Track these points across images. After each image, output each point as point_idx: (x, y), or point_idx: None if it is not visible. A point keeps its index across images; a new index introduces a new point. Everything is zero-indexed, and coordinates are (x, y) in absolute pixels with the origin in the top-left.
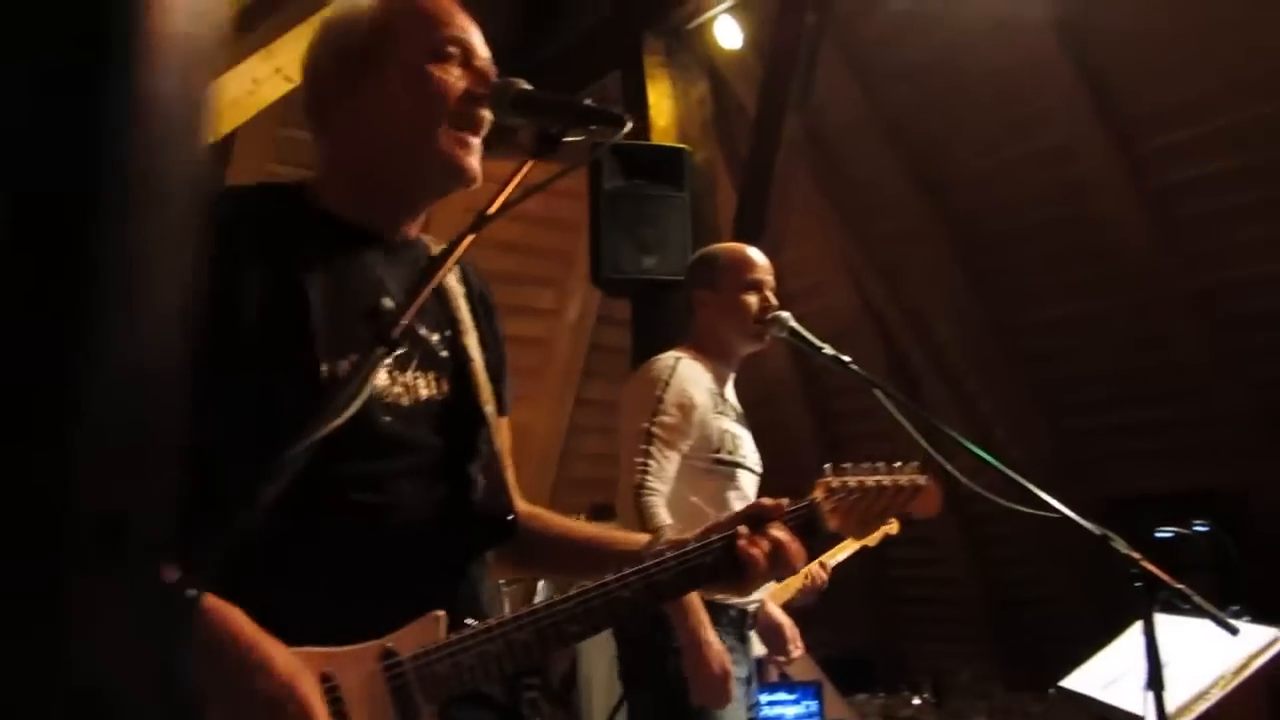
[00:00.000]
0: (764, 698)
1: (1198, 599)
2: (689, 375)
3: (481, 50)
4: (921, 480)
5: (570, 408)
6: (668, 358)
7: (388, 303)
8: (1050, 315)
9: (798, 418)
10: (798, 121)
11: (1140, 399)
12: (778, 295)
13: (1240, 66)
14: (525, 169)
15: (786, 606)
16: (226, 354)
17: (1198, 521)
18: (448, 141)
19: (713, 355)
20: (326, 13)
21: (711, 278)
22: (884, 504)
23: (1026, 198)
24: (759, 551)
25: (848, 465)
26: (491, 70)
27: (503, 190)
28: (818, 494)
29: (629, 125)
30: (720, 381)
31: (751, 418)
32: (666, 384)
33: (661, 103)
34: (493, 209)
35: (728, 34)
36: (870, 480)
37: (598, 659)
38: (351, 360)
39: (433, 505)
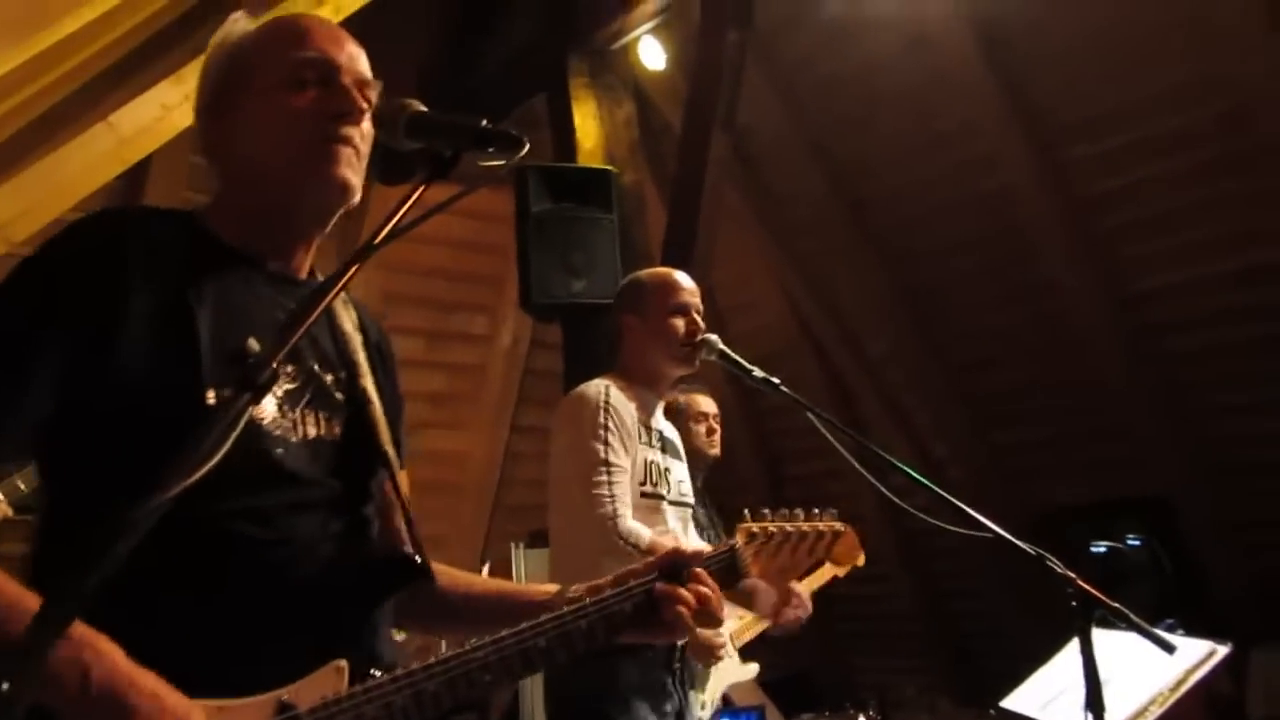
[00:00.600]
0: None
1: (1134, 618)
2: (620, 403)
3: (348, 65)
4: (840, 527)
5: (506, 434)
6: (597, 385)
7: (254, 344)
8: (976, 328)
9: (738, 436)
10: (724, 140)
11: (1066, 411)
12: (711, 314)
13: (1159, 76)
14: (417, 193)
15: (766, 634)
16: (107, 378)
17: (1131, 536)
18: (311, 161)
19: (640, 382)
20: (209, 47)
21: (638, 303)
22: (804, 551)
23: (949, 211)
24: (680, 603)
25: (766, 511)
26: (360, 85)
27: (392, 216)
28: (738, 540)
29: (526, 146)
30: (646, 410)
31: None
32: (605, 409)
33: (587, 124)
34: (380, 236)
35: (651, 54)
36: (789, 526)
37: (540, 694)
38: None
39: (329, 543)
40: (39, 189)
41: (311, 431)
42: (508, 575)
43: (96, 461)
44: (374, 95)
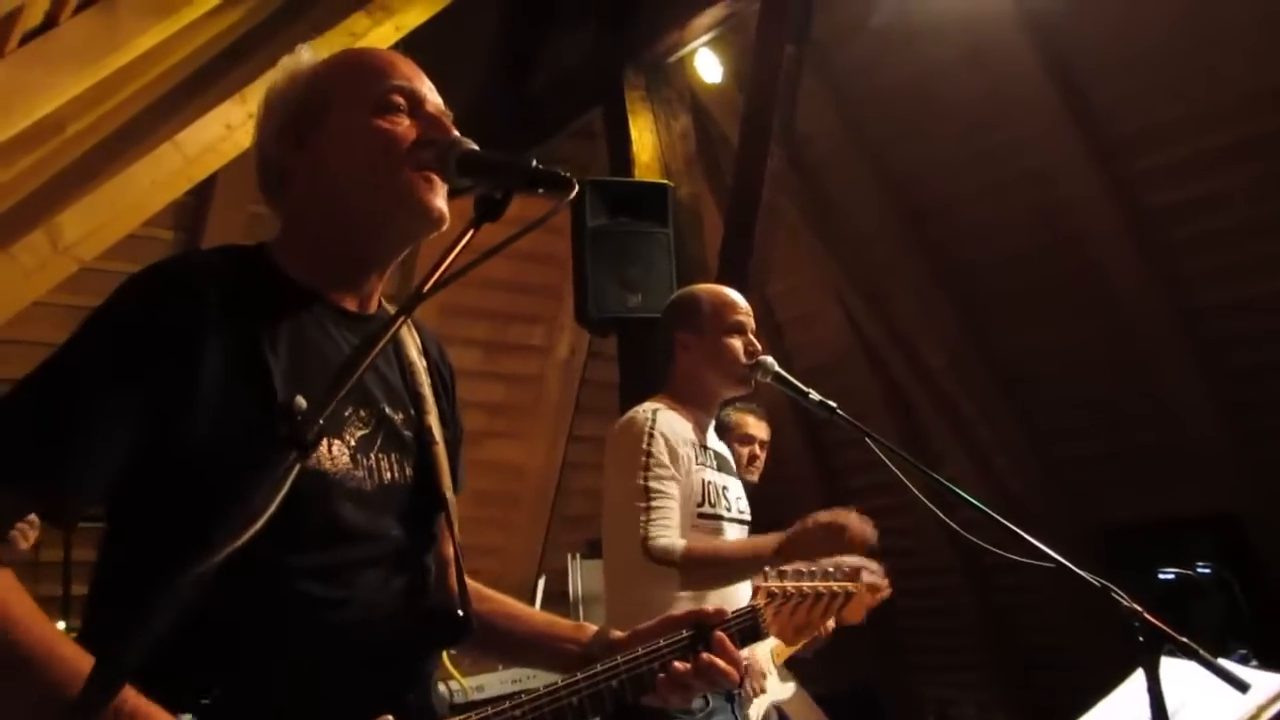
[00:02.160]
0: None
1: (1205, 655)
2: (668, 427)
3: (431, 96)
4: (852, 587)
5: (563, 445)
6: (645, 410)
7: (301, 401)
8: (1036, 341)
9: (795, 447)
10: (781, 153)
11: (1129, 425)
12: (768, 326)
13: (1225, 85)
14: (468, 236)
15: (791, 657)
16: (183, 431)
17: (1201, 563)
18: (410, 180)
19: (692, 402)
20: (271, 80)
21: (694, 321)
22: (819, 610)
23: (1009, 223)
24: (701, 672)
25: (785, 570)
26: (443, 115)
27: (443, 258)
28: (759, 599)
29: (576, 189)
30: (700, 430)
31: None
32: (650, 435)
33: (644, 138)
34: (429, 283)
35: (708, 67)
36: (807, 587)
37: None
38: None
39: (390, 599)
40: (108, 208)
41: (388, 476)
42: (564, 585)
43: (168, 515)
44: (453, 130)
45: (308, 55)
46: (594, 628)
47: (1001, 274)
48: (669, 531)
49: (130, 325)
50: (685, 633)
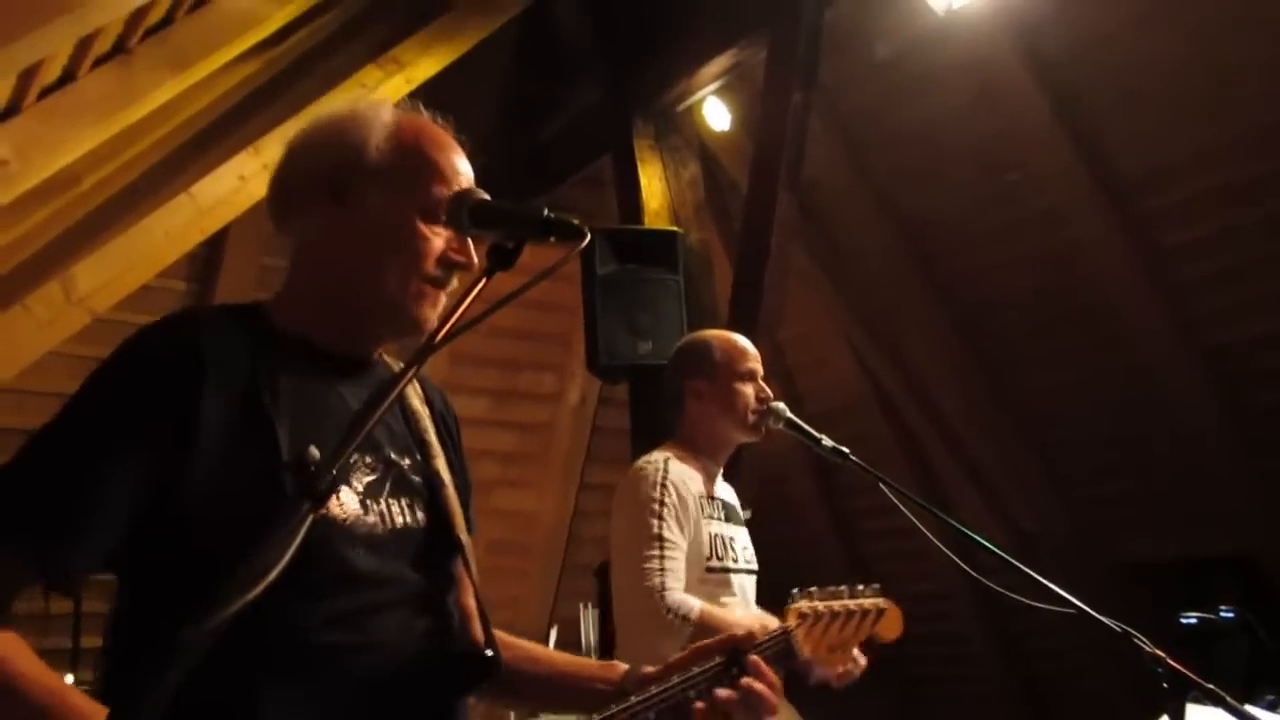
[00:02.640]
0: None
1: (1232, 702)
2: (679, 478)
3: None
4: (883, 604)
5: (575, 492)
6: (656, 459)
7: (314, 452)
8: (1051, 382)
9: (807, 495)
10: (790, 199)
11: (1146, 465)
12: (779, 372)
13: (1234, 123)
14: (479, 285)
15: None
16: (186, 491)
17: (1224, 607)
18: (414, 294)
19: (702, 451)
20: (336, 107)
21: (706, 368)
22: (851, 629)
23: (1021, 264)
24: (739, 697)
25: (814, 590)
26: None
27: (455, 308)
28: (791, 621)
29: (589, 237)
30: (709, 479)
31: (762, 494)
32: (662, 485)
33: (653, 185)
34: (443, 333)
35: (716, 115)
36: (838, 605)
37: None
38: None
39: (414, 642)
40: (122, 259)
41: (399, 520)
42: (576, 634)
43: (175, 571)
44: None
45: (388, 112)
46: (624, 666)
47: (1014, 315)
48: (679, 584)
49: (130, 387)
50: (719, 659)
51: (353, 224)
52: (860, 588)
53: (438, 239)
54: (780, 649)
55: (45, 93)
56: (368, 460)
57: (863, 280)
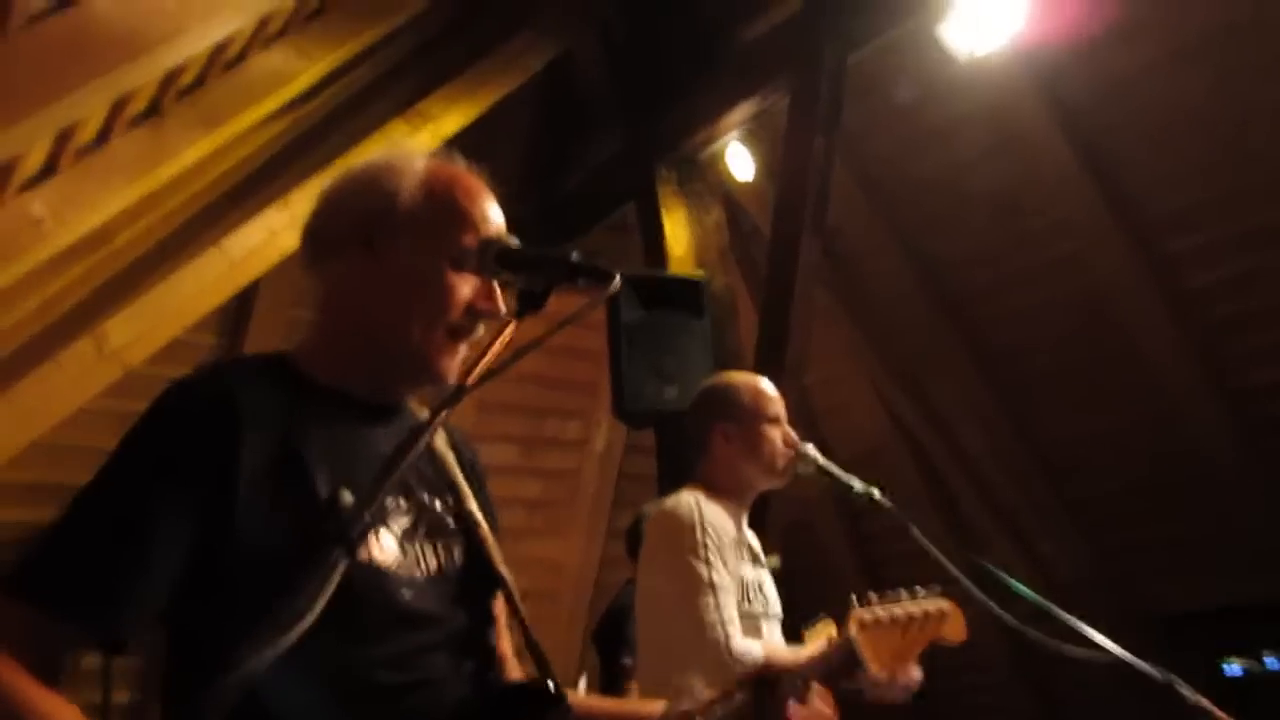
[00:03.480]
0: None
1: None
2: (714, 520)
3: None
4: (947, 606)
5: (602, 540)
6: (688, 500)
7: (347, 496)
8: (1079, 427)
9: (833, 539)
10: (814, 243)
11: (1178, 510)
12: (805, 416)
13: (1257, 164)
14: (508, 332)
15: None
16: (227, 542)
17: (1269, 653)
18: (437, 346)
19: (729, 494)
20: (371, 157)
21: (734, 410)
22: (915, 633)
23: (1046, 308)
24: None
25: (873, 595)
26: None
27: (483, 354)
28: (852, 629)
29: (617, 281)
30: (738, 523)
31: (787, 540)
32: (702, 528)
33: (677, 231)
34: (473, 378)
35: (739, 161)
36: (899, 610)
37: None
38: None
39: (464, 680)
40: (154, 313)
41: (434, 564)
42: None
43: (220, 624)
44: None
45: (421, 161)
46: (660, 705)
47: (1040, 359)
48: (738, 630)
49: (169, 441)
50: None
51: (382, 271)
52: (919, 589)
53: (465, 287)
54: (845, 659)
55: (81, 154)
56: (401, 504)
57: (888, 325)
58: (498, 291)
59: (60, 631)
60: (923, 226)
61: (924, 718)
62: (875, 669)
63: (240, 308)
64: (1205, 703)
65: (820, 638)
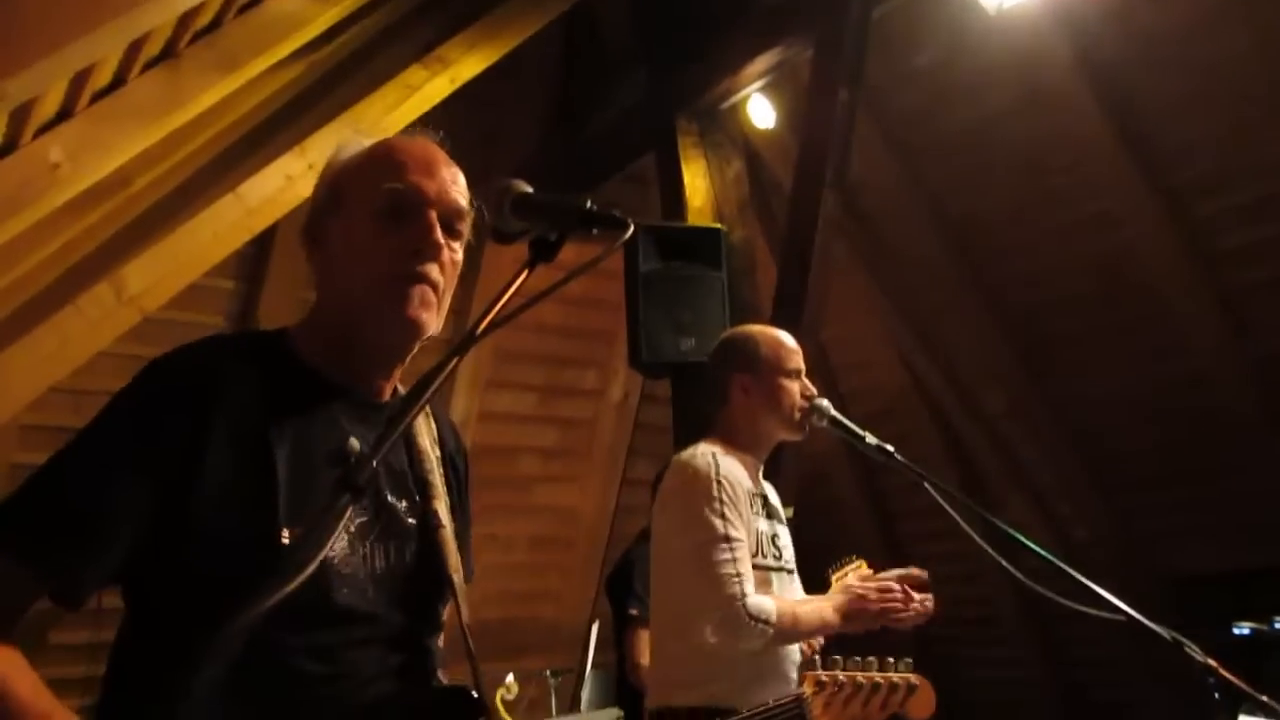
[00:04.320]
0: None
1: None
2: (731, 473)
3: (438, 198)
4: (915, 680)
5: (617, 488)
6: (705, 453)
7: (354, 443)
8: (1101, 387)
9: (850, 495)
10: (835, 198)
11: (1199, 473)
12: (823, 371)
13: None
14: (521, 278)
15: None
16: (187, 516)
17: (1277, 617)
18: (390, 295)
19: (746, 447)
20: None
21: (752, 363)
22: (876, 703)
23: (1071, 267)
24: None
25: (838, 658)
26: (452, 215)
27: (496, 302)
28: (806, 689)
29: (631, 229)
30: (754, 476)
31: (803, 497)
32: (718, 481)
33: (696, 183)
34: (481, 326)
35: (761, 113)
36: (861, 677)
37: None
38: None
39: (389, 677)
40: (172, 259)
41: (380, 564)
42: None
43: (175, 594)
44: (465, 226)
45: (351, 145)
46: None
47: (1064, 318)
48: (753, 585)
49: (144, 408)
50: None
51: (330, 256)
52: (891, 660)
53: (391, 236)
54: (793, 715)
55: (96, 97)
56: (363, 503)
57: (909, 281)
58: (434, 224)
59: (20, 578)
60: (947, 183)
61: (934, 672)
62: None
63: (258, 253)
64: (1213, 663)
65: (848, 580)
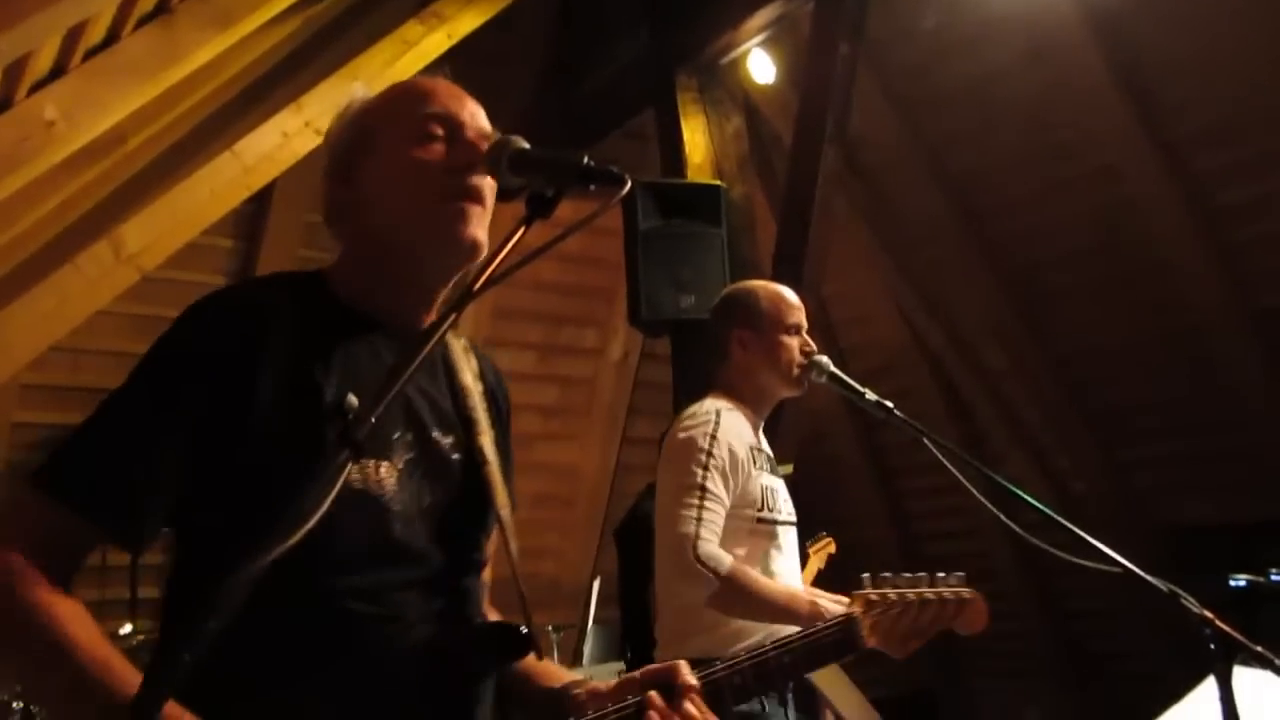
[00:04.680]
0: None
1: (1279, 663)
2: (732, 428)
3: (471, 121)
4: (967, 594)
5: (617, 446)
6: (708, 409)
7: (353, 400)
8: (1101, 341)
9: (849, 452)
10: (835, 153)
11: (1197, 427)
12: (823, 328)
13: None
14: (518, 234)
15: None
16: (236, 451)
17: (1275, 570)
18: (439, 218)
19: (749, 402)
20: (354, 99)
21: (752, 318)
22: (928, 618)
23: (1072, 222)
24: None
25: (888, 575)
26: (482, 139)
27: (492, 259)
28: (856, 608)
29: (629, 185)
30: (756, 431)
31: (804, 453)
32: (713, 437)
33: (696, 138)
34: (479, 282)
35: (761, 68)
36: (912, 594)
37: None
38: (355, 467)
39: (434, 619)
40: (168, 218)
41: (427, 500)
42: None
43: (224, 529)
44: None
45: (361, 92)
46: (570, 677)
47: (1065, 273)
48: (715, 538)
49: (191, 348)
50: (630, 699)
51: (366, 193)
52: (942, 575)
53: (434, 155)
54: (841, 637)
55: (90, 54)
56: (408, 439)
57: (910, 237)
58: (477, 143)
59: (79, 529)
60: (948, 138)
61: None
62: (873, 644)
63: (256, 212)
64: (1208, 615)
65: (822, 555)
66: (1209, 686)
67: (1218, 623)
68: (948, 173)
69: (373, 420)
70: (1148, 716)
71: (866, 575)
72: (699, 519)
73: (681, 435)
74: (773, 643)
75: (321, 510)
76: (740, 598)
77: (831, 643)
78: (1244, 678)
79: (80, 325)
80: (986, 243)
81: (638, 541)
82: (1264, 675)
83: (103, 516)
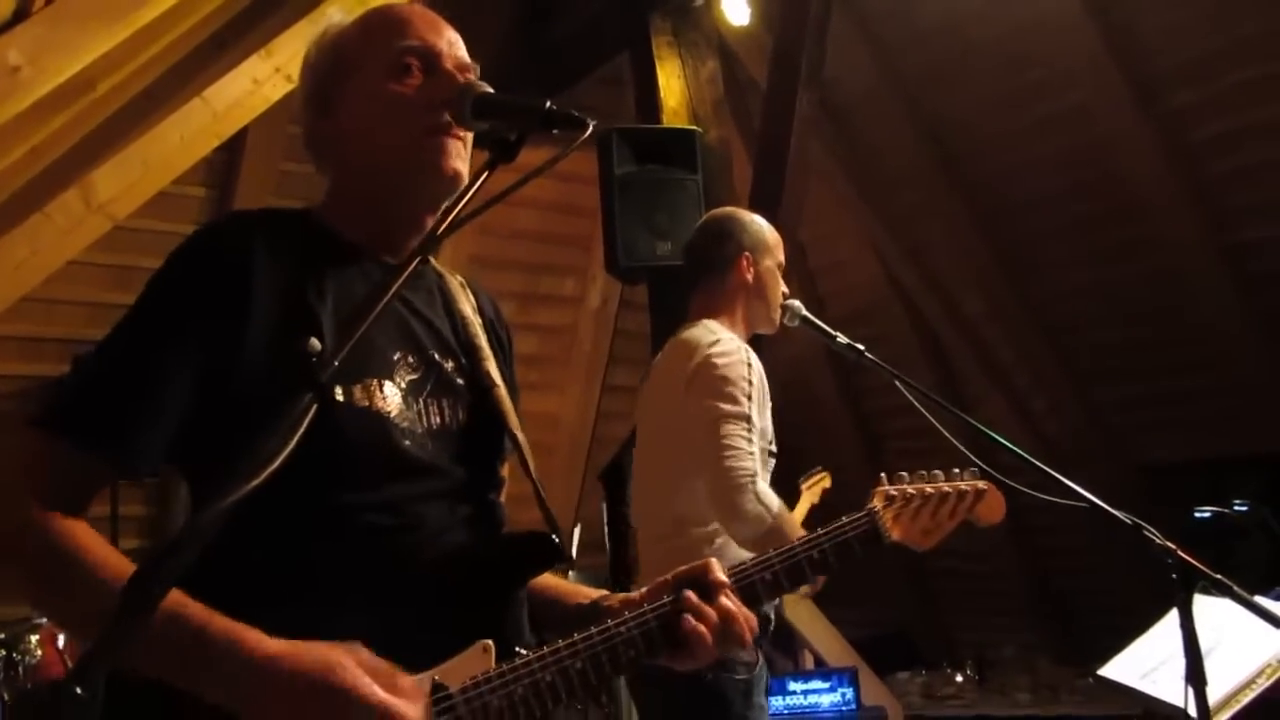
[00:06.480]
0: (798, 686)
1: (1239, 591)
2: (759, 364)
3: (448, 50)
4: (982, 485)
5: (597, 395)
6: (735, 339)
7: (315, 343)
8: (1076, 282)
9: (828, 396)
10: (810, 95)
11: (1170, 366)
12: (800, 273)
13: (1269, 15)
14: (482, 178)
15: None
16: (236, 382)
17: (1238, 500)
18: (419, 152)
19: (742, 328)
20: (324, 28)
21: (760, 245)
22: (946, 511)
23: (1047, 163)
24: (701, 619)
25: (904, 474)
26: (461, 70)
27: (457, 203)
28: (876, 503)
29: (590, 128)
30: None
31: (784, 396)
32: (750, 366)
33: (671, 83)
34: (443, 226)
35: (736, 10)
36: (930, 488)
37: None
38: (358, 386)
39: (458, 528)
40: (139, 166)
41: (436, 421)
42: (599, 534)
43: (228, 461)
44: (474, 78)
45: (337, 17)
46: (598, 592)
47: (1040, 214)
48: (764, 476)
49: (187, 282)
50: (666, 599)
51: (345, 124)
52: (958, 471)
53: (410, 89)
54: (866, 531)
55: None
56: (410, 360)
57: (885, 180)
58: (454, 75)
59: (86, 463)
60: (922, 79)
61: (903, 564)
62: (896, 537)
63: (229, 160)
64: (1171, 545)
65: (816, 490)
66: (1172, 620)
67: (1179, 553)
68: (922, 114)
69: (335, 364)
70: (1120, 649)
71: (884, 474)
72: (753, 453)
73: (721, 362)
74: (801, 540)
75: (285, 452)
76: (775, 539)
77: (857, 537)
78: (1209, 608)
79: (54, 274)
80: (962, 184)
81: (625, 484)
82: (1229, 605)
83: (104, 449)
